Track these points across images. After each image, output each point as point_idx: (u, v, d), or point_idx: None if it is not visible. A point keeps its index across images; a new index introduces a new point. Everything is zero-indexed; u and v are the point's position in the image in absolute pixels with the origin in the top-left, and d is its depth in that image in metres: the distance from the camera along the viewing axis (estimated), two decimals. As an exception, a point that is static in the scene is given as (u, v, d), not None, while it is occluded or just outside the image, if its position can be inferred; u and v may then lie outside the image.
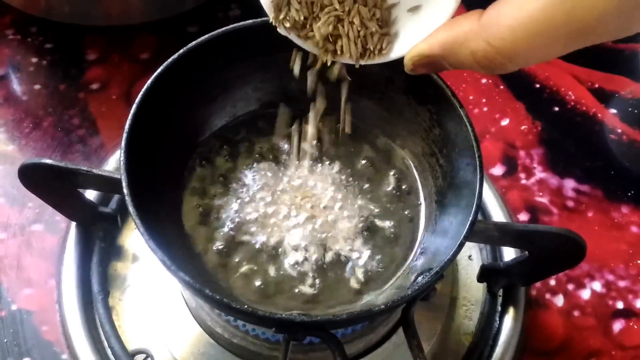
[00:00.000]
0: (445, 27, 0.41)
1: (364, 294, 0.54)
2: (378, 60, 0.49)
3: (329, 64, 0.51)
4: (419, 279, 0.50)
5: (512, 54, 0.36)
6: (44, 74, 0.80)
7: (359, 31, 0.48)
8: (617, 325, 0.67)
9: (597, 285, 0.69)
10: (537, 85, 0.83)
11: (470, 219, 0.47)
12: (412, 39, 0.45)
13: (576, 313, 0.67)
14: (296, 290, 0.53)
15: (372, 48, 0.48)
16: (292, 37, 0.50)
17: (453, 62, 0.40)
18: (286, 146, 0.60)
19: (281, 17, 0.49)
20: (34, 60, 0.81)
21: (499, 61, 0.37)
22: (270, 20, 0.50)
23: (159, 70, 0.53)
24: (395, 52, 0.48)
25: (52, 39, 0.82)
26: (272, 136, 0.61)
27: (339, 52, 0.50)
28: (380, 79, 0.58)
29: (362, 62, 0.50)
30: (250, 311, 0.45)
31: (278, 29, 0.50)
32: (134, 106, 0.51)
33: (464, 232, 0.47)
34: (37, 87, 0.79)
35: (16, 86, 0.80)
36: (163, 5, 0.82)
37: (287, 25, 0.49)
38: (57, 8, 0.80)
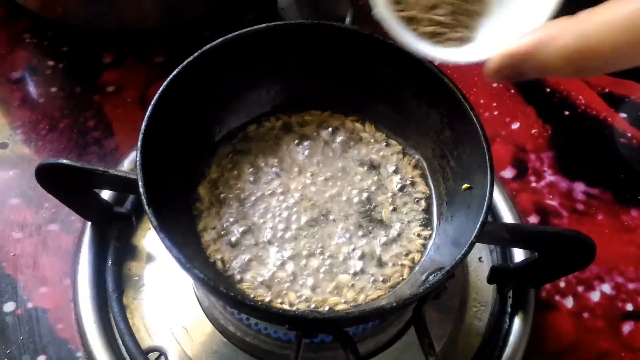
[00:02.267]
0: (534, 31, 0.41)
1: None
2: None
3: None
4: (430, 277, 0.51)
5: (598, 51, 0.37)
6: (60, 77, 0.81)
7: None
8: (627, 327, 0.67)
9: (606, 288, 0.69)
10: (548, 90, 0.84)
11: (481, 218, 0.48)
12: (497, 43, 0.43)
13: (586, 315, 0.68)
14: (306, 290, 0.54)
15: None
16: None
17: (539, 60, 0.39)
18: (298, 147, 0.61)
19: None
20: (51, 63, 0.82)
21: (585, 57, 0.37)
22: None
23: (173, 73, 0.54)
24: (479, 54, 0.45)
25: (68, 42, 0.84)
26: (284, 137, 0.61)
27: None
28: (392, 82, 0.58)
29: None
30: (264, 308, 0.46)
31: None
32: (150, 108, 0.52)
33: (475, 231, 0.47)
34: (53, 89, 0.80)
35: (33, 89, 0.81)
36: (177, 10, 0.83)
37: None
38: (74, 12, 0.82)
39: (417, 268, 0.55)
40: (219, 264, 0.55)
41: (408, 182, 0.60)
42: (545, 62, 0.39)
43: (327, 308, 0.53)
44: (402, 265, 0.56)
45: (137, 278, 0.66)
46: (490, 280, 0.65)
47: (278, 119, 0.63)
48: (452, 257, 0.48)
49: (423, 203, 0.59)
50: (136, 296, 0.65)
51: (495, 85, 0.83)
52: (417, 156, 0.61)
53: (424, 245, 0.57)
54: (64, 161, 0.56)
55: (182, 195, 0.57)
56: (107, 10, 0.81)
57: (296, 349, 0.52)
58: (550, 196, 0.75)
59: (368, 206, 0.58)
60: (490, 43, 0.45)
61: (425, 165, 0.61)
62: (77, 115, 0.78)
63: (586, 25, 0.37)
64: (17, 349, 0.63)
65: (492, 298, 0.67)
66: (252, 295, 0.53)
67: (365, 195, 0.59)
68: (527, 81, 0.84)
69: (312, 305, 0.53)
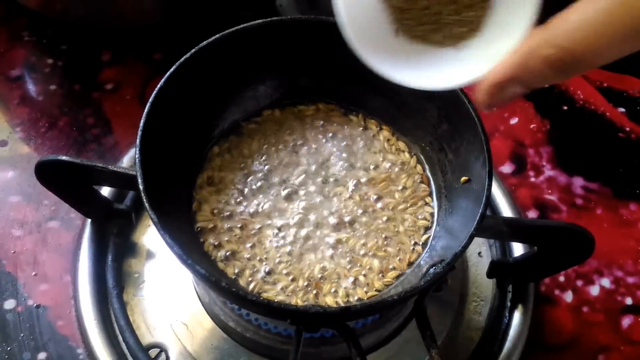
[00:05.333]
0: (512, 53, 0.41)
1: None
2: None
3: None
4: (431, 270, 0.51)
5: (583, 54, 0.37)
6: (59, 75, 0.81)
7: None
8: (626, 321, 0.67)
9: (605, 282, 0.70)
10: (546, 85, 0.84)
11: (480, 211, 0.48)
12: (477, 67, 0.43)
13: (585, 309, 0.68)
14: (307, 282, 0.54)
15: None
16: None
17: (527, 77, 0.40)
18: (296, 141, 0.61)
19: None
20: (50, 61, 0.82)
21: (572, 63, 0.37)
22: None
23: (171, 70, 0.54)
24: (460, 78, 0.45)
25: (67, 40, 0.84)
26: (283, 131, 0.62)
27: None
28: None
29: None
30: (265, 303, 0.46)
31: None
32: (148, 105, 0.52)
33: (474, 224, 0.47)
34: (52, 87, 0.80)
35: (32, 87, 0.81)
36: (175, 8, 0.83)
37: None
38: (72, 10, 0.82)
39: (417, 261, 0.55)
40: (219, 262, 0.55)
41: (408, 176, 0.60)
42: (532, 79, 0.39)
43: (326, 302, 0.53)
44: (402, 259, 0.56)
45: (137, 275, 0.67)
46: (489, 274, 0.66)
47: (276, 113, 0.63)
48: (452, 250, 0.48)
49: (423, 197, 0.59)
50: (136, 293, 0.66)
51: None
52: (415, 150, 0.61)
53: (425, 239, 0.57)
54: (64, 158, 0.56)
55: (181, 190, 0.58)
56: (105, 8, 0.81)
57: (296, 344, 0.52)
58: (549, 191, 0.75)
59: (367, 200, 0.58)
60: (465, 68, 0.44)
61: (423, 158, 0.61)
62: (76, 113, 0.78)
63: (563, 31, 0.37)
64: (18, 346, 0.63)
65: (491, 292, 0.67)
66: (253, 290, 0.53)
67: (364, 189, 0.59)
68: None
69: (311, 298, 0.53)
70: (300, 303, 0.53)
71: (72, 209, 0.65)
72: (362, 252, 0.56)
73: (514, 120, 0.81)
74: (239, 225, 0.57)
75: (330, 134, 0.62)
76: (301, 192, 0.58)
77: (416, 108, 0.59)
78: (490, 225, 0.55)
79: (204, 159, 0.60)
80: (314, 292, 0.54)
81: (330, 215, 0.57)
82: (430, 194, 0.59)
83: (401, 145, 0.61)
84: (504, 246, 0.69)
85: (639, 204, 0.75)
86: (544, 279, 0.69)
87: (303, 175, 0.59)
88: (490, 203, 0.71)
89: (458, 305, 0.66)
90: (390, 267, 0.55)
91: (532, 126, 0.80)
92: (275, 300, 0.51)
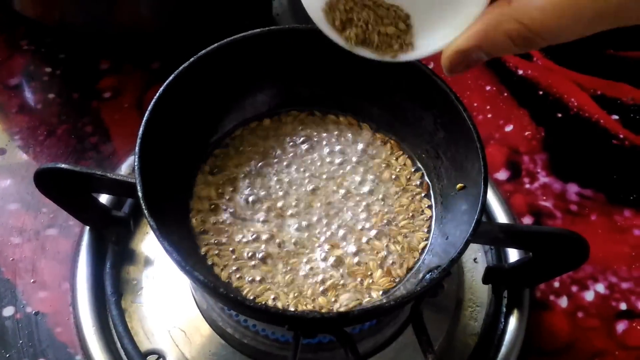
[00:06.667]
0: (475, 22, 0.43)
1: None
2: (400, 58, 0.48)
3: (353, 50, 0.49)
4: (427, 276, 0.51)
5: (543, 32, 0.39)
6: (58, 83, 0.82)
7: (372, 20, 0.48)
8: (621, 326, 0.68)
9: (600, 287, 0.70)
10: (541, 92, 0.85)
11: (476, 217, 0.48)
12: (440, 39, 0.45)
13: (580, 314, 0.68)
14: (304, 290, 0.54)
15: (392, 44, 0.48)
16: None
17: (489, 47, 0.42)
18: (294, 149, 0.62)
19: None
20: (48, 69, 0.83)
21: (532, 38, 0.39)
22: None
23: (169, 78, 0.55)
24: (421, 50, 0.48)
25: (66, 49, 0.84)
26: (280, 137, 0.62)
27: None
28: (386, 85, 0.59)
29: (385, 59, 0.48)
30: (263, 308, 0.46)
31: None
32: (147, 113, 0.53)
33: (470, 230, 0.48)
34: (51, 96, 0.81)
35: (30, 95, 0.81)
36: (173, 17, 0.84)
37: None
38: (71, 19, 0.82)
39: (415, 268, 0.56)
40: (216, 268, 0.56)
41: (404, 183, 0.60)
42: (493, 49, 0.42)
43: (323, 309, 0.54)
44: (400, 266, 0.56)
45: (135, 282, 0.67)
46: (485, 280, 0.66)
47: (273, 121, 0.63)
48: (448, 256, 0.49)
49: (418, 204, 0.59)
50: (134, 299, 0.66)
51: (488, 88, 0.84)
52: (412, 157, 0.62)
53: (422, 246, 0.57)
54: (62, 165, 0.56)
55: (180, 197, 0.58)
56: (104, 17, 0.81)
57: (294, 349, 0.52)
58: (544, 197, 0.76)
59: (364, 207, 0.59)
60: (431, 39, 0.47)
61: (420, 166, 0.61)
62: (74, 121, 0.79)
63: (528, 8, 0.39)
64: (17, 353, 0.63)
65: (487, 298, 0.68)
66: (249, 297, 0.54)
67: (360, 195, 0.59)
68: (520, 85, 0.85)
69: (309, 307, 0.54)
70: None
71: (70, 217, 0.65)
72: (358, 259, 0.56)
73: (509, 128, 0.81)
74: (238, 229, 0.57)
75: (326, 141, 0.62)
76: (299, 200, 0.58)
77: (412, 116, 0.59)
78: (485, 231, 0.56)
79: (204, 164, 0.61)
80: (312, 299, 0.54)
81: (328, 223, 0.57)
82: (429, 197, 0.60)
83: (399, 151, 0.62)
84: (500, 252, 0.70)
85: (633, 210, 0.75)
86: (539, 285, 0.69)
87: (301, 183, 0.59)
88: (485, 209, 0.72)
89: (454, 310, 0.66)
90: (388, 274, 0.56)
91: (526, 133, 0.81)
92: (273, 307, 0.51)
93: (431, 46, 0.46)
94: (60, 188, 0.59)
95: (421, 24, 0.47)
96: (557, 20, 0.38)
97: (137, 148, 0.51)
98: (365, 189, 0.59)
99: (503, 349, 0.64)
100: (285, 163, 0.61)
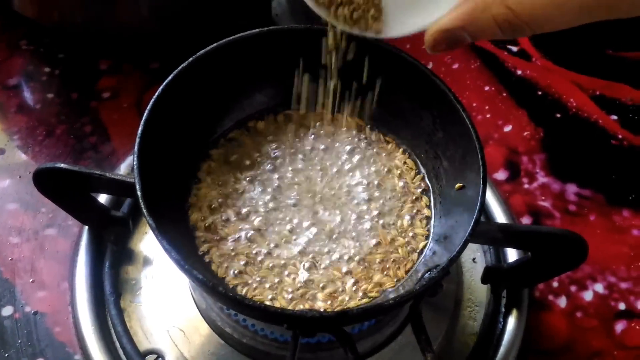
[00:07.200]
0: (462, 2, 0.43)
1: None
2: (385, 35, 0.50)
3: (339, 27, 0.52)
4: (426, 275, 0.52)
5: (530, 19, 0.39)
6: (57, 83, 0.82)
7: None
8: (619, 326, 0.68)
9: (599, 287, 0.70)
10: (540, 93, 0.85)
11: (475, 217, 0.48)
12: (426, 16, 0.46)
13: (579, 314, 0.68)
14: (302, 290, 0.54)
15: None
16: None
17: (474, 30, 0.42)
18: (293, 148, 0.62)
19: None
20: (47, 70, 0.83)
21: (519, 25, 0.40)
22: None
23: (168, 78, 0.55)
24: (405, 27, 0.49)
25: (65, 49, 0.84)
26: (279, 137, 0.62)
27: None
28: (385, 85, 0.59)
29: (366, 35, 0.50)
30: (262, 307, 0.46)
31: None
32: (146, 112, 0.53)
33: (469, 229, 0.48)
34: (49, 96, 0.81)
35: (29, 95, 0.81)
36: (172, 17, 0.84)
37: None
38: (70, 19, 0.82)
39: (414, 267, 0.56)
40: (214, 267, 0.56)
41: (403, 183, 0.60)
42: (479, 32, 0.42)
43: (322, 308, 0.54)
44: (399, 266, 0.56)
45: (134, 281, 0.67)
46: (484, 280, 0.66)
47: (272, 121, 0.63)
48: (447, 256, 0.49)
49: (418, 203, 0.60)
50: (133, 299, 0.66)
51: (487, 88, 0.84)
52: (411, 157, 0.62)
53: (421, 246, 0.57)
54: (61, 165, 0.56)
55: (178, 197, 0.58)
56: (103, 18, 0.81)
57: (293, 349, 0.52)
58: (543, 197, 0.76)
59: (363, 207, 0.59)
60: (417, 16, 0.47)
61: (419, 166, 0.61)
62: (73, 121, 0.79)
63: None
64: (16, 352, 0.63)
65: (486, 298, 0.68)
66: (248, 296, 0.54)
67: (360, 196, 0.59)
68: (519, 85, 0.85)
69: (307, 306, 0.54)
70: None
71: (69, 217, 0.65)
72: (357, 259, 0.56)
73: (507, 128, 0.81)
74: (237, 231, 0.57)
75: (325, 141, 0.62)
76: (298, 200, 0.59)
77: (411, 116, 0.60)
78: (484, 231, 0.56)
79: (202, 163, 0.61)
80: (311, 299, 0.54)
81: (327, 223, 0.57)
82: (428, 197, 0.60)
83: (399, 151, 0.62)
84: (498, 252, 0.70)
85: (632, 210, 0.75)
86: (538, 285, 0.69)
87: (301, 184, 0.59)
88: (484, 209, 0.72)
89: (453, 310, 0.66)
90: (388, 274, 0.56)
91: (525, 134, 0.81)
92: (272, 306, 0.51)
93: (416, 24, 0.47)
94: (59, 188, 0.59)
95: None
96: (545, 8, 0.39)
97: (136, 148, 0.51)
98: (365, 188, 0.60)
99: (502, 349, 0.64)
100: (284, 163, 0.61)
